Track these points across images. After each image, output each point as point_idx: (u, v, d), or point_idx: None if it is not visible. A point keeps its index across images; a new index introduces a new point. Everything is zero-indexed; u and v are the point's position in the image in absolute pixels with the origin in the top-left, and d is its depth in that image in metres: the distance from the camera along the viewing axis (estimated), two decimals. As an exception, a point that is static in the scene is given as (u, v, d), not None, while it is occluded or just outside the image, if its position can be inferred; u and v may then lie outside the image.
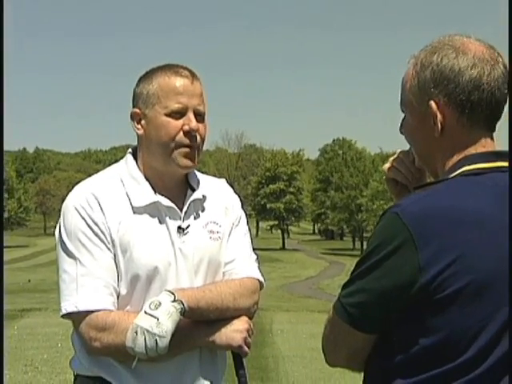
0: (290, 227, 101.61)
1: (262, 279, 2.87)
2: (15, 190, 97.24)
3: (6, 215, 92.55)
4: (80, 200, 2.67)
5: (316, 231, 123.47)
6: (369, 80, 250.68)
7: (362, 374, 2.19)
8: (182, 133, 2.67)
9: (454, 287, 1.93)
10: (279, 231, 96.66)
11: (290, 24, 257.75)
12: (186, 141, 2.68)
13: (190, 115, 2.68)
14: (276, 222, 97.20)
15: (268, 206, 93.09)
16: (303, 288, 38.23)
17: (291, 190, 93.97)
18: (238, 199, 2.99)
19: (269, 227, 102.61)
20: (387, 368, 2.05)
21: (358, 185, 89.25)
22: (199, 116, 2.71)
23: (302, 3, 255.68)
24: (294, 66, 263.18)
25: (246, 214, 3.02)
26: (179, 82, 2.69)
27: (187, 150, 2.69)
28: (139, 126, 2.74)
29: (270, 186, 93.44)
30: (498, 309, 1.97)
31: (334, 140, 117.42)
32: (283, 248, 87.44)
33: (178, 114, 2.67)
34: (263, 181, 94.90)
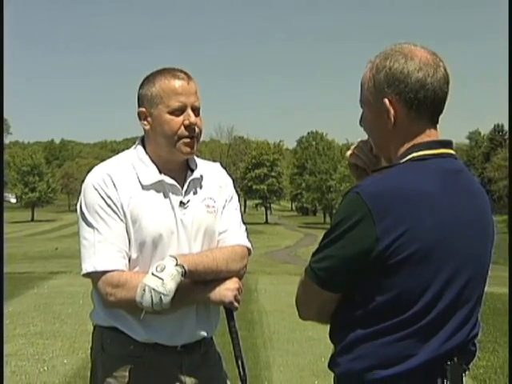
0: (272, 205, 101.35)
1: (250, 246, 2.87)
2: (44, 174, 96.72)
3: (37, 195, 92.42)
4: (97, 179, 2.66)
5: (293, 208, 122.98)
6: (338, 83, 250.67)
7: (329, 325, 2.20)
8: (183, 127, 2.66)
9: (404, 254, 1.95)
10: (263, 208, 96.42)
11: (272, 33, 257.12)
12: (187, 133, 2.67)
13: (189, 111, 2.67)
14: (260, 201, 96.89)
15: (254, 187, 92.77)
16: (283, 255, 38.14)
17: (273, 174, 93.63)
18: (231, 179, 2.98)
19: (254, 205, 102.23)
20: (349, 320, 2.07)
21: (328, 170, 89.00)
22: (196, 111, 2.70)
23: (289, 15, 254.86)
24: (277, 70, 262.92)
25: (237, 193, 3.02)
26: (177, 83, 2.66)
27: (188, 140, 2.69)
28: (146, 123, 2.72)
29: (256, 170, 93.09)
30: (439, 271, 1.99)
31: (308, 133, 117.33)
32: (266, 222, 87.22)
33: (179, 111, 2.66)
34: (250, 166, 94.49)
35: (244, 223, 2.94)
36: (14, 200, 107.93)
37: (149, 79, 2.72)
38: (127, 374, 2.68)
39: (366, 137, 2.29)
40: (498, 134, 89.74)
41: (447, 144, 2.14)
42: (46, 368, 7.32)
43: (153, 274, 2.50)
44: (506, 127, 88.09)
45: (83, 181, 2.73)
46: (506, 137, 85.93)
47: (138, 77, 2.76)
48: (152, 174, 2.71)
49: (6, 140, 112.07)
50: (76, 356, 7.80)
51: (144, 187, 2.69)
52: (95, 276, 2.62)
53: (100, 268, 2.59)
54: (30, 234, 57.26)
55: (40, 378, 6.90)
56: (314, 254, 2.11)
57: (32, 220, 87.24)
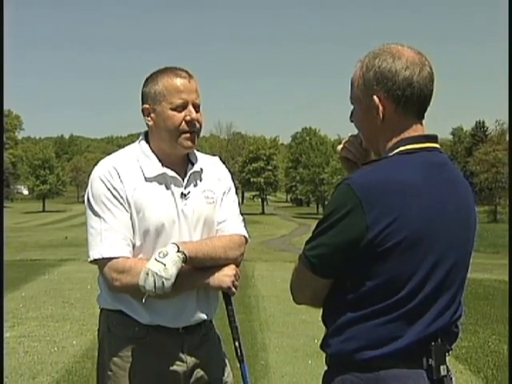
0: (268, 197, 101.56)
1: (247, 235, 2.86)
2: (55, 167, 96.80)
3: (47, 187, 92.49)
4: (103, 171, 2.66)
5: (288, 200, 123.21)
6: (330, 82, 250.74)
7: (322, 309, 2.20)
8: (184, 122, 2.65)
9: (393, 242, 1.95)
10: (260, 200, 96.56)
11: (270, 35, 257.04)
12: (188, 128, 2.67)
13: (190, 108, 2.67)
14: (257, 193, 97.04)
15: (251, 180, 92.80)
16: (278, 244, 38.11)
17: (269, 167, 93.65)
18: (229, 172, 2.97)
19: (252, 197, 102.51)
20: (340, 304, 2.07)
21: (321, 164, 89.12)
22: (196, 107, 2.69)
23: (286, 17, 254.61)
24: (274, 70, 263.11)
25: (235, 185, 3.01)
26: (179, 81, 2.66)
27: (189, 134, 2.68)
28: (149, 119, 2.71)
29: (253, 164, 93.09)
30: (425, 258, 1.99)
31: (302, 129, 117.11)
32: (263, 213, 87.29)
33: (181, 107, 2.65)
34: (247, 160, 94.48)
35: (241, 213, 2.93)
36: (26, 192, 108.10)
37: (152, 78, 2.71)
38: (132, 353, 2.68)
39: (356, 132, 2.29)
40: (480, 131, 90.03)
41: (432, 138, 2.13)
42: (56, 348, 7.35)
43: (156, 259, 2.49)
44: (487, 124, 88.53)
45: (90, 173, 2.72)
46: (487, 133, 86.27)
47: (142, 76, 2.76)
48: (155, 167, 2.70)
49: (19, 136, 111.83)
50: (84, 337, 7.83)
51: (147, 179, 2.68)
52: (101, 262, 2.61)
53: (106, 255, 2.58)
54: (42, 224, 57.28)
55: (51, 358, 6.93)
56: (307, 242, 2.10)
57: (43, 211, 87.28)
